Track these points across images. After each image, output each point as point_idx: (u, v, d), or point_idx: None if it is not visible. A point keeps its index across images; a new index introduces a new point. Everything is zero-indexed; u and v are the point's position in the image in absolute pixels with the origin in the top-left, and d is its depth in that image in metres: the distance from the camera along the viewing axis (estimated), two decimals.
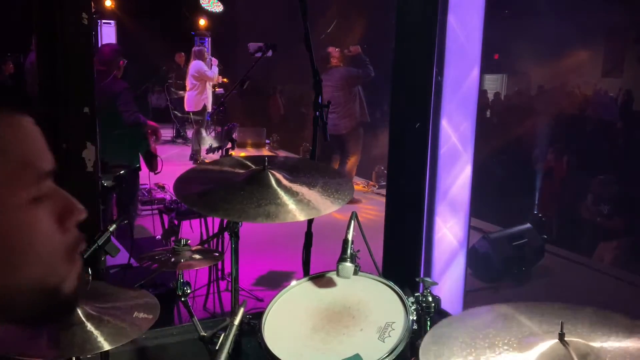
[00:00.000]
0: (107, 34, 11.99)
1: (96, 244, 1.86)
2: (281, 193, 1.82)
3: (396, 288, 1.79)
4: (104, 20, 11.87)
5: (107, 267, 2.15)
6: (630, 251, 5.48)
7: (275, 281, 4.41)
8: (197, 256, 2.09)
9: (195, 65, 8.95)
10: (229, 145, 3.99)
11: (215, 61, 9.80)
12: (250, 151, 10.24)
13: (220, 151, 3.99)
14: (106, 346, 1.51)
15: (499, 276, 4.74)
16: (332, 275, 1.87)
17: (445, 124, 3.09)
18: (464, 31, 3.04)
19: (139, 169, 4.52)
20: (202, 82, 9.07)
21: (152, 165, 4.53)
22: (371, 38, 8.30)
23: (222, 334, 1.39)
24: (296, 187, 1.86)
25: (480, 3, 3.06)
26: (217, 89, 10.28)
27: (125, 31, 12.18)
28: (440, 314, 1.77)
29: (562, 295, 4.54)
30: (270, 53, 4.42)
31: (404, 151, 3.21)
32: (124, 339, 1.55)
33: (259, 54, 4.41)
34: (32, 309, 0.70)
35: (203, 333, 1.98)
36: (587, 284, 4.96)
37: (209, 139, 9.06)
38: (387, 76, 3.32)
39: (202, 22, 12.61)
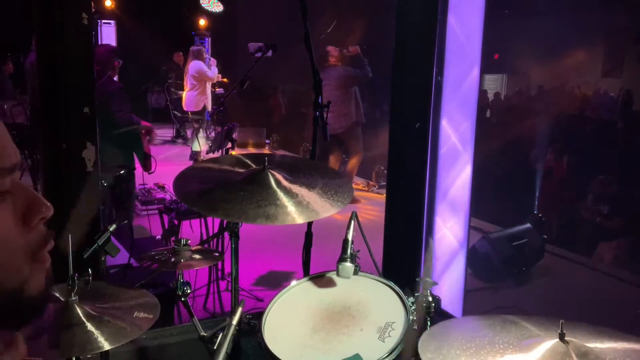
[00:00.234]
0: (107, 34, 11.99)
1: (96, 244, 1.86)
2: (281, 194, 1.82)
3: (396, 288, 1.79)
4: (104, 20, 11.87)
5: (107, 267, 2.15)
6: (630, 251, 5.48)
7: (275, 281, 4.41)
8: (197, 256, 2.09)
9: (195, 65, 8.94)
10: (229, 145, 3.99)
11: (214, 61, 9.80)
12: (251, 151, 10.23)
13: (220, 151, 3.99)
14: (106, 346, 1.51)
15: (499, 276, 4.74)
16: (332, 275, 1.87)
17: (445, 124, 3.10)
18: (464, 31, 3.04)
19: (134, 168, 4.54)
20: (202, 82, 9.07)
21: (146, 165, 4.55)
22: (371, 38, 8.30)
23: (221, 334, 1.39)
24: (296, 188, 1.86)
25: (480, 3, 3.06)
26: (217, 89, 10.27)
27: (125, 31, 12.18)
28: (440, 314, 1.77)
29: (562, 296, 4.54)
30: (270, 53, 4.42)
31: (404, 151, 3.21)
32: (124, 339, 1.55)
33: (259, 54, 4.41)
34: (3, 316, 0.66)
35: (203, 333, 1.97)
36: (587, 284, 4.96)
37: (203, 140, 9.03)
38: (387, 76, 3.32)
39: (202, 22, 12.61)
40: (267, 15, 10.85)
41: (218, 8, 11.86)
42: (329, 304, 1.77)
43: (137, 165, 4.56)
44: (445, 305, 3.10)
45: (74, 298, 1.60)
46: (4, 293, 0.65)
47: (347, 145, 7.30)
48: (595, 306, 4.18)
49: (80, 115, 2.51)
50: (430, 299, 1.77)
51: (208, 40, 12.32)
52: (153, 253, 2.11)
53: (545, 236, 5.48)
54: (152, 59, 11.64)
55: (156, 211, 4.44)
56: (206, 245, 3.42)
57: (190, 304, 2.02)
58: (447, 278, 3.26)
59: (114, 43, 11.52)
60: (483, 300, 4.41)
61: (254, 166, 1.99)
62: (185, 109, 9.36)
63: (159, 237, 4.32)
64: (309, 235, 2.60)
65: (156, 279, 3.02)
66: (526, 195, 7.06)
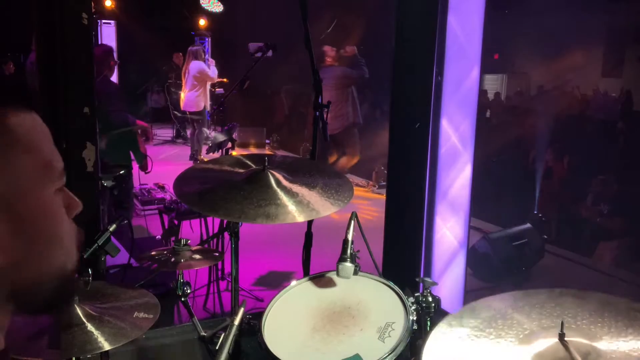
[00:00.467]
0: (107, 34, 11.98)
1: (96, 244, 1.86)
2: (281, 194, 1.82)
3: (396, 288, 1.79)
4: (104, 20, 11.85)
5: (107, 267, 2.15)
6: (630, 251, 5.48)
7: (275, 281, 4.41)
8: (197, 256, 2.09)
9: (196, 65, 8.94)
10: (229, 145, 3.99)
11: (212, 61, 9.80)
12: (251, 151, 10.23)
13: (220, 151, 3.99)
14: (106, 346, 1.51)
15: (499, 276, 4.74)
16: (332, 275, 1.87)
17: (445, 124, 3.09)
18: (464, 31, 3.04)
19: (132, 168, 4.55)
20: (203, 82, 9.07)
21: (143, 165, 4.56)
22: (371, 38, 8.30)
23: (222, 334, 1.39)
24: (296, 188, 1.86)
25: (480, 3, 3.06)
26: (217, 89, 10.27)
27: (125, 31, 12.17)
28: (440, 314, 1.77)
29: None
30: (270, 53, 4.42)
31: (404, 151, 3.21)
32: (124, 339, 1.55)
33: (259, 54, 4.41)
34: (52, 296, 0.75)
35: (203, 333, 1.98)
36: (587, 284, 4.96)
37: (214, 134, 9.01)
38: (387, 76, 3.32)
39: (202, 22, 12.59)
40: (267, 15, 10.85)
41: (218, 8, 11.85)
42: (329, 304, 1.77)
43: (134, 164, 4.57)
44: (445, 305, 3.10)
45: (74, 298, 1.60)
46: (65, 276, 0.76)
47: (344, 146, 7.28)
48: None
49: (80, 115, 2.51)
50: (430, 299, 1.77)
51: (208, 40, 12.32)
52: (153, 253, 2.11)
53: (545, 236, 5.48)
54: (152, 59, 11.64)
55: (156, 211, 4.45)
56: (206, 245, 3.42)
57: (190, 304, 2.02)
58: (447, 278, 3.26)
59: (114, 43, 11.51)
60: None
61: (254, 166, 2.00)
62: (184, 109, 9.35)
63: (159, 237, 4.32)
64: (309, 235, 2.60)
65: (156, 279, 3.02)
66: (526, 195, 7.05)
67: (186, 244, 2.10)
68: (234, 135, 4.30)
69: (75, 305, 1.59)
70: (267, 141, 10.89)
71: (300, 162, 3.06)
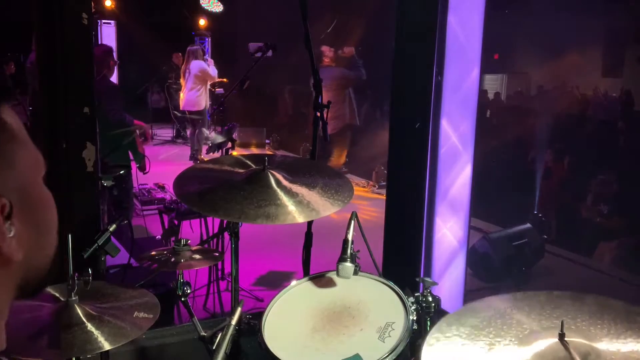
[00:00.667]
0: (107, 34, 11.98)
1: (96, 244, 1.86)
2: (281, 194, 1.82)
3: (396, 288, 1.79)
4: (104, 20, 11.85)
5: (107, 267, 2.15)
6: (630, 251, 5.48)
7: (275, 281, 4.41)
8: (197, 256, 2.09)
9: (197, 64, 8.94)
10: (229, 145, 3.99)
11: (211, 61, 9.81)
12: (251, 151, 10.23)
13: (220, 151, 3.99)
14: (106, 346, 1.51)
15: (499, 276, 4.74)
16: (332, 275, 1.87)
17: (445, 124, 3.09)
18: (464, 31, 3.04)
19: (131, 168, 4.55)
20: (204, 81, 9.08)
21: (141, 166, 4.56)
22: (371, 38, 8.30)
23: (220, 334, 1.39)
24: (296, 188, 1.86)
25: (480, 3, 3.06)
26: (217, 89, 10.27)
27: (125, 31, 12.17)
28: (440, 314, 1.77)
29: None
30: (270, 53, 4.42)
31: (404, 151, 3.21)
32: (124, 339, 1.55)
33: (259, 54, 4.41)
34: (43, 281, 0.77)
35: (203, 333, 1.98)
36: (587, 284, 4.95)
37: (214, 135, 9.01)
38: (387, 76, 3.32)
39: (202, 22, 12.59)
40: (267, 15, 10.85)
41: (218, 8, 11.84)
42: (329, 304, 1.77)
43: (133, 164, 4.57)
44: (445, 305, 3.10)
45: (74, 298, 1.60)
46: (51, 253, 0.76)
47: (331, 145, 7.22)
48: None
49: (80, 115, 2.51)
50: (430, 299, 1.77)
51: (208, 40, 12.32)
52: (153, 253, 2.11)
53: (545, 236, 5.47)
54: (152, 59, 11.63)
55: (156, 211, 4.45)
56: (206, 245, 3.42)
57: (190, 304, 2.02)
58: (447, 278, 3.26)
59: (114, 43, 11.51)
60: None
61: (254, 166, 2.00)
62: (184, 108, 9.35)
63: (159, 237, 4.32)
64: (309, 235, 2.60)
65: (156, 279, 3.02)
66: (526, 195, 7.05)
67: (186, 244, 2.10)
68: (234, 135, 4.30)
69: (75, 305, 1.59)
70: (267, 141, 10.89)
71: (300, 162, 3.06)
